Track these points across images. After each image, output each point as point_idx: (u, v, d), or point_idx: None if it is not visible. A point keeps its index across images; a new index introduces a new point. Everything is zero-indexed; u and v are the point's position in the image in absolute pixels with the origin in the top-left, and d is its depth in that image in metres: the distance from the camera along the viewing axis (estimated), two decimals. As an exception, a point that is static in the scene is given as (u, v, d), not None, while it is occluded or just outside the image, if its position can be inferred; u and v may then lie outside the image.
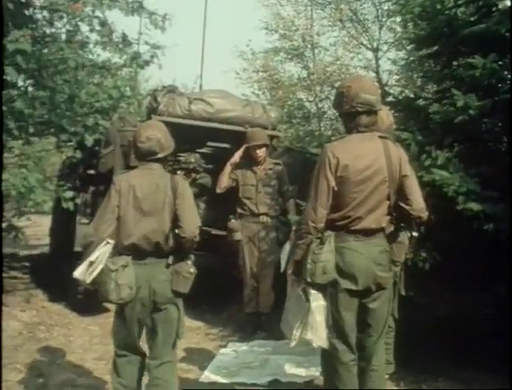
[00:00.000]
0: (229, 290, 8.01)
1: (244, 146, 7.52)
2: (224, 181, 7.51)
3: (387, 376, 5.15)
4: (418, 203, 4.33)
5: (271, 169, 7.49)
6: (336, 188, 4.13)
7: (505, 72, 5.86)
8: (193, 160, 9.37)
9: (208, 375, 6.06)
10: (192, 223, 4.55)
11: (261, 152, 7.45)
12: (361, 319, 4.32)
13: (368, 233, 4.20)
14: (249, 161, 7.52)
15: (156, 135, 4.75)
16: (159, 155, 4.72)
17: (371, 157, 4.18)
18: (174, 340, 4.66)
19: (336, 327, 4.23)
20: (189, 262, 4.66)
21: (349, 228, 4.17)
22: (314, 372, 5.74)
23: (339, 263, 4.15)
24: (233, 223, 7.46)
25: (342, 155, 4.13)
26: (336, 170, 4.12)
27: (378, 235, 4.25)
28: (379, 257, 4.24)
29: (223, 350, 6.89)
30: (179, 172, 9.43)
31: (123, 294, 4.40)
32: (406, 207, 4.29)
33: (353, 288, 4.18)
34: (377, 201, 4.19)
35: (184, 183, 4.77)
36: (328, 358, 4.32)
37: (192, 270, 4.64)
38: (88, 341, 6.90)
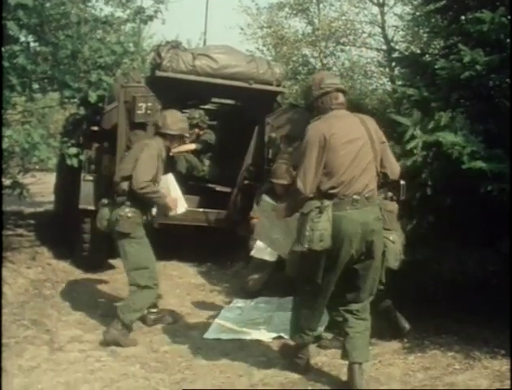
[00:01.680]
0: (234, 247, 8.04)
1: None
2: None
3: None
4: (396, 167, 4.82)
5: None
6: (324, 157, 4.49)
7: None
8: (197, 116, 9.33)
9: (212, 332, 6.11)
10: (136, 179, 5.72)
11: (283, 189, 7.00)
12: (351, 282, 4.73)
13: (363, 196, 4.51)
14: (273, 190, 7.19)
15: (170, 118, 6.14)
16: (160, 130, 6.11)
17: (351, 125, 4.63)
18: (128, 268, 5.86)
19: (315, 286, 4.64)
20: (127, 209, 5.78)
21: (345, 193, 4.49)
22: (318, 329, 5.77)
23: (336, 232, 4.44)
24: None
25: (324, 127, 4.56)
26: (321, 139, 4.49)
27: (372, 202, 4.58)
28: (374, 224, 4.57)
29: (227, 307, 6.93)
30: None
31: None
32: (386, 171, 4.72)
33: (347, 255, 4.53)
34: (365, 163, 4.56)
35: (148, 148, 5.92)
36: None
37: (129, 214, 5.78)
38: (93, 298, 6.93)
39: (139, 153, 5.89)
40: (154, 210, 6.14)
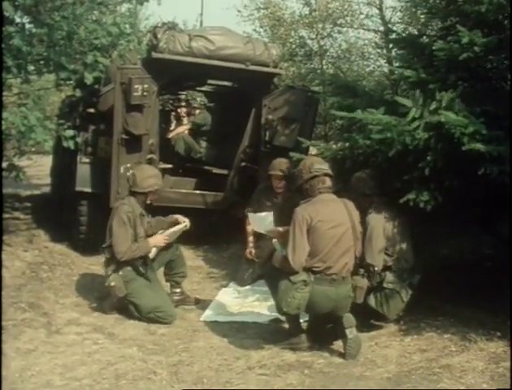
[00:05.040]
0: (231, 229, 8.03)
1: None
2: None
3: None
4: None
5: (289, 198, 6.93)
6: (309, 238, 5.01)
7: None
8: (198, 99, 9.29)
9: (209, 314, 6.13)
10: (116, 251, 5.99)
11: (280, 183, 7.14)
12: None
13: (340, 276, 5.09)
14: (270, 189, 7.29)
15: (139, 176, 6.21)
16: (131, 189, 6.22)
17: (335, 211, 5.15)
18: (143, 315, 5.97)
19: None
20: (110, 278, 5.98)
21: (326, 272, 5.06)
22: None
23: (311, 301, 5.06)
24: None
25: (311, 212, 5.06)
26: (308, 222, 5.01)
27: (347, 281, 5.18)
28: (344, 302, 5.17)
29: (224, 289, 6.94)
30: (179, 110, 9.35)
31: None
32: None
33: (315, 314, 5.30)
34: (346, 246, 5.12)
35: (117, 214, 6.07)
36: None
37: (112, 284, 5.92)
38: (90, 281, 6.92)
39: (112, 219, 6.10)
40: (154, 251, 6.31)
